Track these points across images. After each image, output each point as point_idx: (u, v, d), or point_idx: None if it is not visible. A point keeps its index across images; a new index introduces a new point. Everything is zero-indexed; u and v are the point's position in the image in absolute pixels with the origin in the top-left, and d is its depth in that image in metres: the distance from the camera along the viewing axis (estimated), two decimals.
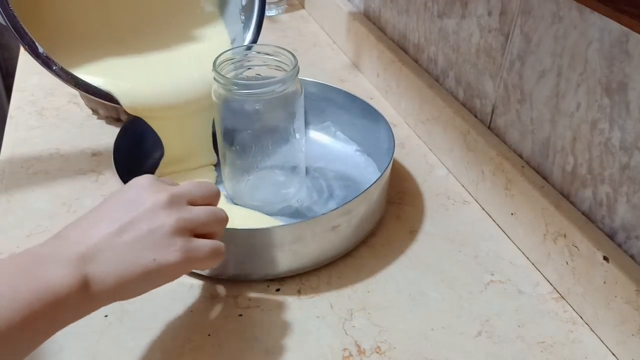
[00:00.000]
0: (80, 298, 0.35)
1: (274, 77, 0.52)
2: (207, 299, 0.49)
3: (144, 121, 0.60)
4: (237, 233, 0.48)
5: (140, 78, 0.60)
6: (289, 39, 0.98)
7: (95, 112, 0.73)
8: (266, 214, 0.57)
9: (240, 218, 0.56)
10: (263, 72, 0.56)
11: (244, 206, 0.58)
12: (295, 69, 0.52)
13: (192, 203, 0.42)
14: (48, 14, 0.60)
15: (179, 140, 0.61)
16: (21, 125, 0.70)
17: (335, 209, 0.49)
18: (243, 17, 0.66)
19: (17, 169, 0.63)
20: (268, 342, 0.46)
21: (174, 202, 0.40)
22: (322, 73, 0.86)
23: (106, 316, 0.47)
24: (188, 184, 0.43)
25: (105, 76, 0.59)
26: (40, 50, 0.54)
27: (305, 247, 0.50)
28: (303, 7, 1.10)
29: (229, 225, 0.44)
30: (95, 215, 0.39)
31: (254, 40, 0.65)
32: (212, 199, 0.44)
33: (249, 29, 0.66)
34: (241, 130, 0.55)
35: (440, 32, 0.68)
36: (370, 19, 0.87)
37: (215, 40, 0.66)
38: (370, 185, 0.51)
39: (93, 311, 0.37)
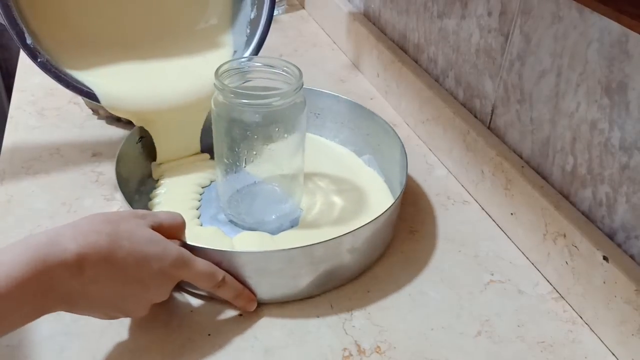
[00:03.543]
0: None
1: (277, 89, 0.51)
2: (207, 299, 0.49)
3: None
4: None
5: (127, 81, 0.60)
6: (289, 39, 0.98)
7: (95, 112, 0.73)
8: (263, 230, 0.55)
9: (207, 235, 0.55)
10: (267, 84, 0.54)
11: (238, 220, 0.57)
12: (299, 82, 0.51)
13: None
14: (55, 11, 0.60)
15: (168, 143, 0.62)
16: (21, 125, 0.70)
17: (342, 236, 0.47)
18: (248, 31, 0.65)
19: (17, 169, 0.63)
20: (268, 342, 0.46)
21: None
22: (322, 73, 0.86)
23: None
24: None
25: (92, 75, 0.59)
26: (29, 41, 0.54)
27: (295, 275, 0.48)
28: (303, 7, 1.10)
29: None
30: None
31: (255, 53, 0.65)
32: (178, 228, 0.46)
33: (251, 44, 0.65)
34: (240, 140, 0.53)
35: (440, 32, 0.68)
36: (370, 19, 0.87)
37: (218, 51, 0.66)
38: (384, 212, 0.50)
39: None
